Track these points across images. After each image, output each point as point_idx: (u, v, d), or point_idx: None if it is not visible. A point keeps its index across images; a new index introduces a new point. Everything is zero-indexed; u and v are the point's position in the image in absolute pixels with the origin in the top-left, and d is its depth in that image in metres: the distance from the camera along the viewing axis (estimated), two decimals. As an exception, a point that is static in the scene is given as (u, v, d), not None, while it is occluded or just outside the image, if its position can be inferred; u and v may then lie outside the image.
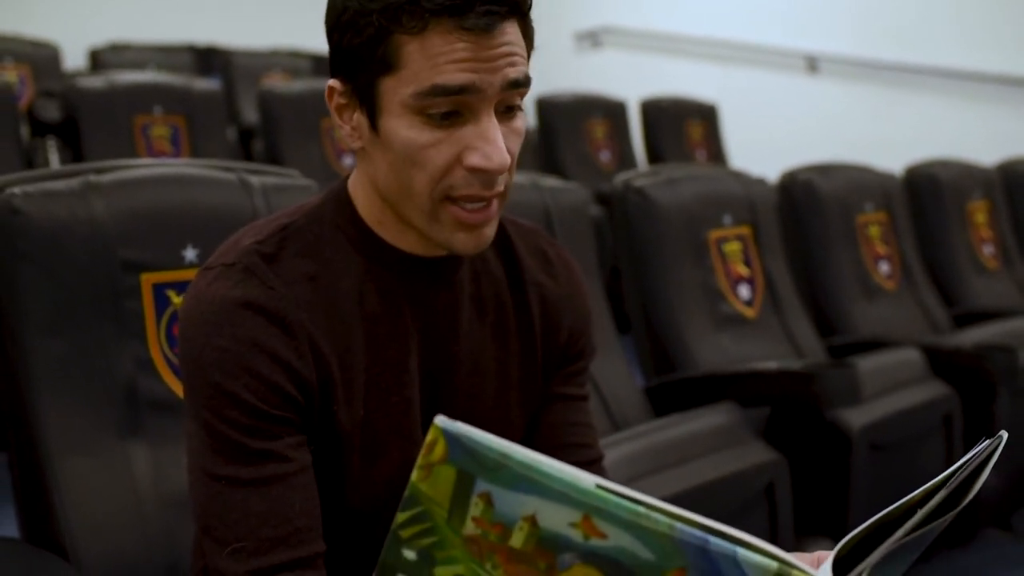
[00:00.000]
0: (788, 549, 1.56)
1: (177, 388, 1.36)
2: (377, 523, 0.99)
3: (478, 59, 0.89)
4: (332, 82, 0.96)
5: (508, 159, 0.91)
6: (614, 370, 1.95)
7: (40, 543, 1.29)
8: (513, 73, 0.91)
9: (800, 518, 1.85)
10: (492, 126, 0.91)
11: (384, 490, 0.99)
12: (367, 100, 0.93)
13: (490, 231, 0.96)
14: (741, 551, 0.63)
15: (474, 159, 0.91)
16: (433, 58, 0.88)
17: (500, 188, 0.94)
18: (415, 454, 0.99)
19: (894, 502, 0.73)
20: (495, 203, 0.95)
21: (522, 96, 0.94)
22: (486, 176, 0.92)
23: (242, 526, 0.89)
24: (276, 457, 0.91)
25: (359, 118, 0.95)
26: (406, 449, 1.00)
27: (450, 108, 0.90)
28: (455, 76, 0.88)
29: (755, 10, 6.25)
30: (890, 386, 2.10)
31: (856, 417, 1.94)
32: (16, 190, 1.31)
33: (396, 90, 0.90)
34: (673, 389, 2.03)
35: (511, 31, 0.91)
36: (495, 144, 0.90)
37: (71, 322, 1.31)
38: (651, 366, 2.17)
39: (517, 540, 0.68)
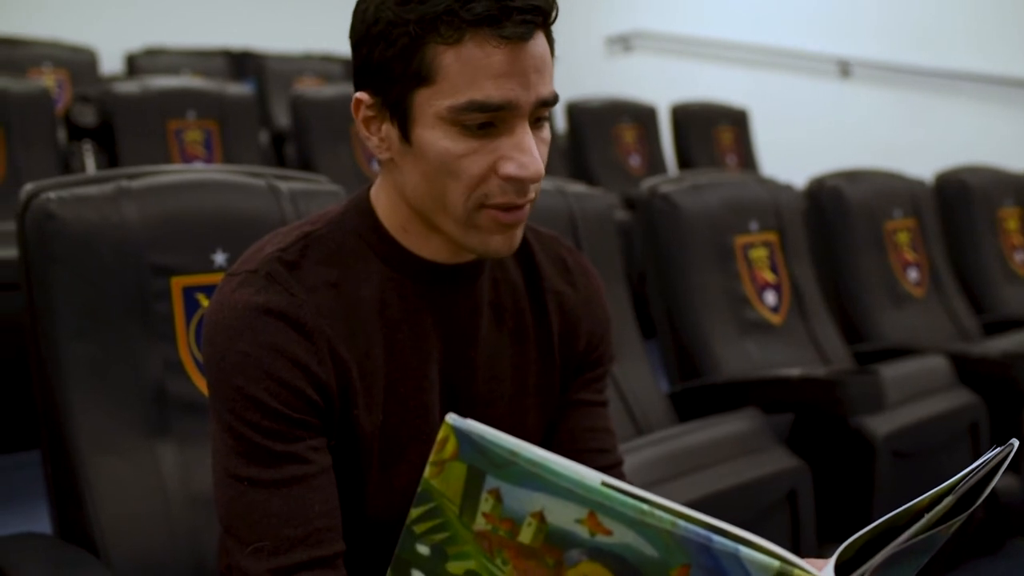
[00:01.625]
0: (810, 555, 1.57)
1: (205, 390, 1.39)
2: (396, 528, 1.00)
3: (513, 73, 0.90)
4: (360, 95, 0.97)
5: (542, 168, 0.93)
6: (639, 375, 1.96)
7: (72, 539, 1.32)
8: (544, 91, 0.93)
9: (824, 525, 1.85)
10: (527, 136, 0.93)
11: (402, 495, 1.01)
12: (399, 112, 0.94)
13: (520, 232, 0.98)
14: (743, 549, 0.63)
15: (510, 168, 0.92)
16: (470, 71, 0.89)
17: (532, 196, 0.96)
18: None
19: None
20: (527, 206, 0.97)
21: (550, 110, 0.96)
22: (521, 185, 0.93)
23: (263, 526, 0.92)
24: (296, 459, 0.93)
25: (388, 129, 0.96)
26: (424, 454, 1.01)
27: (485, 121, 0.92)
28: (492, 93, 0.90)
29: (787, 14, 6.22)
30: (915, 394, 2.09)
31: (880, 425, 1.94)
32: (51, 195, 1.34)
33: (431, 102, 0.92)
34: (697, 395, 2.04)
35: (542, 42, 0.93)
36: (531, 154, 0.92)
37: (102, 324, 1.34)
38: (676, 371, 2.18)
39: (526, 536, 0.70)
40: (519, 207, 0.95)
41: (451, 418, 0.71)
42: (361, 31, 0.95)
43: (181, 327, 1.40)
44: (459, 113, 0.91)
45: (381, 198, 1.02)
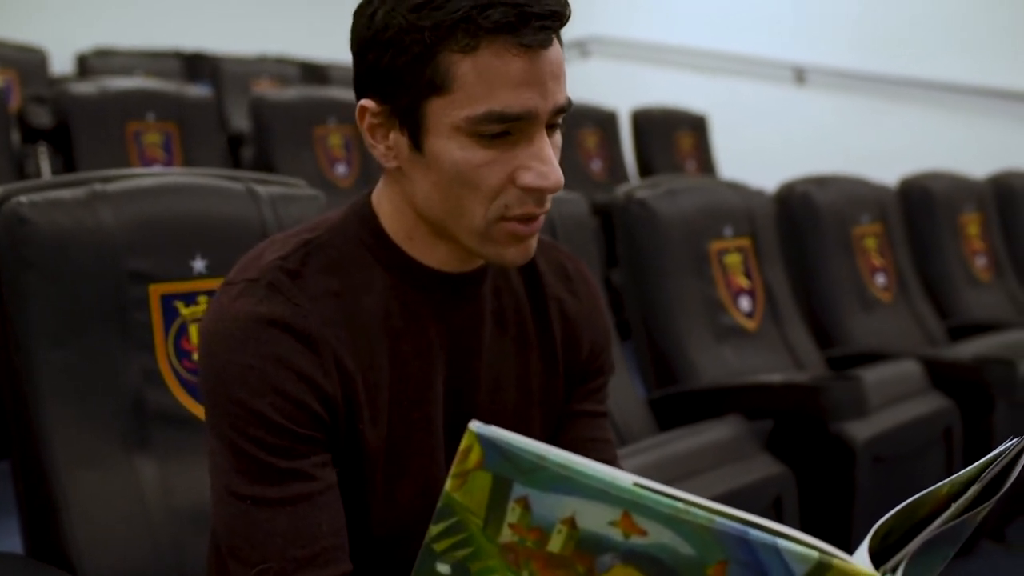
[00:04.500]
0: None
1: (185, 401, 1.35)
2: (399, 547, 0.97)
3: (531, 81, 0.88)
4: (365, 102, 0.94)
5: (562, 178, 0.91)
6: (619, 382, 1.94)
7: (45, 558, 1.27)
8: (561, 99, 0.91)
9: (804, 530, 1.84)
10: (546, 145, 0.90)
11: (406, 510, 0.98)
12: (409, 121, 0.91)
13: (535, 242, 0.96)
14: (782, 542, 0.63)
15: (529, 178, 0.90)
16: (487, 81, 0.87)
17: (549, 205, 0.94)
18: (437, 474, 0.99)
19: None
20: (543, 216, 0.95)
21: (563, 117, 0.94)
22: (540, 195, 0.91)
23: (268, 546, 0.88)
24: (302, 476, 0.89)
25: (397, 138, 0.93)
26: (428, 468, 0.99)
27: (503, 130, 0.89)
28: (511, 102, 0.87)
29: (743, 21, 6.28)
30: (892, 398, 2.10)
31: (860, 430, 1.94)
32: (23, 199, 1.29)
33: (446, 112, 0.89)
34: (677, 401, 2.03)
35: (557, 48, 0.91)
36: (550, 163, 0.90)
37: (78, 332, 1.30)
38: (652, 377, 2.17)
39: (555, 544, 0.68)
40: (536, 218, 0.93)
41: (475, 426, 0.68)
42: (367, 36, 0.91)
43: (159, 336, 1.35)
44: (477, 123, 0.88)
45: (384, 205, 0.99)
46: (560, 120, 0.93)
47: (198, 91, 3.79)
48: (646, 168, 4.88)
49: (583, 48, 6.95)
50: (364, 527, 0.97)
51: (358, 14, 0.92)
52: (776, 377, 2.02)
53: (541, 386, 1.08)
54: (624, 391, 1.95)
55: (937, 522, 0.70)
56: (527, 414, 1.07)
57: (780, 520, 1.75)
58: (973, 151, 4.94)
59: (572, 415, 1.11)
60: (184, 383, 1.35)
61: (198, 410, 1.34)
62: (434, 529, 0.71)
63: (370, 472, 0.96)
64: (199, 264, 1.38)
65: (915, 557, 0.69)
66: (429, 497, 0.98)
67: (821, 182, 2.77)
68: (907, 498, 0.73)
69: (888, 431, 2.01)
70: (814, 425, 1.93)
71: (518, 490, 0.68)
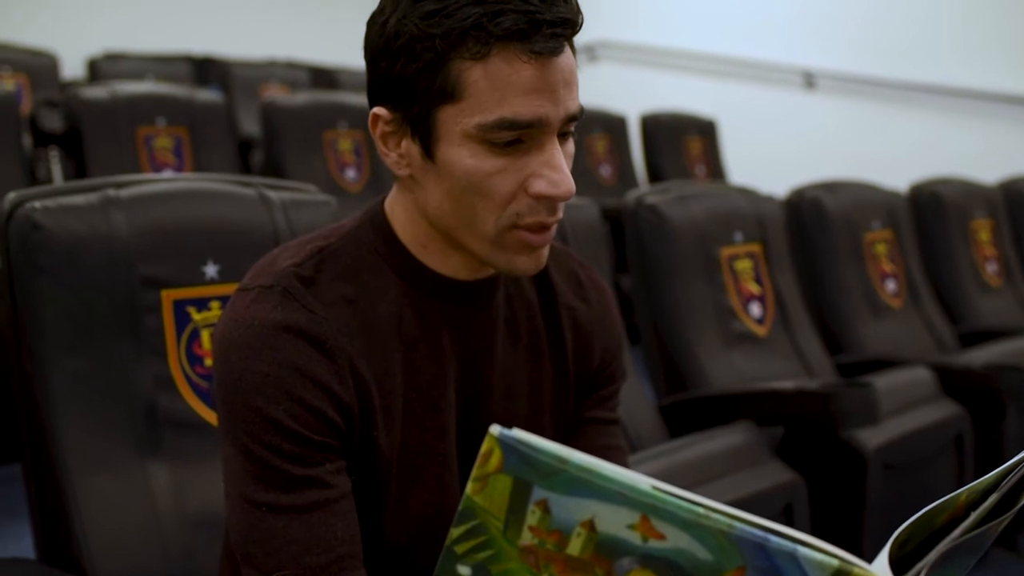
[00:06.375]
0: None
1: (197, 406, 1.35)
2: (412, 554, 0.97)
3: (542, 88, 0.88)
4: (377, 110, 0.94)
5: (574, 186, 0.91)
6: (629, 388, 1.94)
7: (57, 563, 1.28)
8: (573, 107, 0.91)
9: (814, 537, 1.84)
10: (557, 153, 0.90)
11: (418, 519, 0.98)
12: (421, 128, 0.91)
13: (547, 252, 0.96)
14: (801, 549, 0.62)
15: (540, 186, 0.90)
16: (499, 88, 0.87)
17: (560, 215, 0.93)
18: (450, 481, 0.99)
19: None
20: (555, 225, 0.95)
21: (575, 124, 0.94)
22: (551, 203, 0.91)
23: (283, 554, 0.88)
24: (317, 483, 0.90)
25: (409, 146, 0.93)
26: (441, 476, 0.99)
27: (514, 138, 0.89)
28: (522, 110, 0.87)
29: (752, 26, 6.27)
30: (903, 406, 2.09)
31: (871, 437, 1.93)
32: (36, 204, 1.30)
33: (457, 120, 0.88)
34: (688, 407, 2.02)
35: (569, 55, 0.91)
36: (562, 171, 0.90)
37: (90, 338, 1.30)
38: (663, 383, 2.17)
39: (575, 547, 0.68)
40: (548, 227, 0.93)
41: (495, 429, 0.68)
42: (380, 44, 0.91)
43: (172, 342, 1.35)
44: (488, 131, 0.88)
45: (398, 213, 0.99)
46: (572, 128, 0.93)
47: (208, 95, 3.79)
48: (655, 173, 4.87)
49: (592, 52, 6.95)
50: (377, 534, 0.97)
51: (371, 22, 0.92)
52: (787, 384, 2.01)
53: (553, 395, 1.08)
54: (635, 397, 1.95)
55: (956, 531, 0.70)
56: (539, 423, 1.06)
57: (791, 527, 1.75)
58: (984, 157, 4.93)
59: (583, 422, 1.11)
60: (196, 389, 1.36)
61: (210, 416, 1.35)
62: (455, 531, 0.71)
63: (383, 480, 0.96)
64: (211, 270, 1.38)
65: (936, 567, 0.69)
66: (442, 505, 0.98)
67: (831, 188, 2.77)
68: (918, 505, 0.72)
69: (899, 438, 2.00)
70: (825, 432, 1.92)
71: (538, 493, 0.68)
